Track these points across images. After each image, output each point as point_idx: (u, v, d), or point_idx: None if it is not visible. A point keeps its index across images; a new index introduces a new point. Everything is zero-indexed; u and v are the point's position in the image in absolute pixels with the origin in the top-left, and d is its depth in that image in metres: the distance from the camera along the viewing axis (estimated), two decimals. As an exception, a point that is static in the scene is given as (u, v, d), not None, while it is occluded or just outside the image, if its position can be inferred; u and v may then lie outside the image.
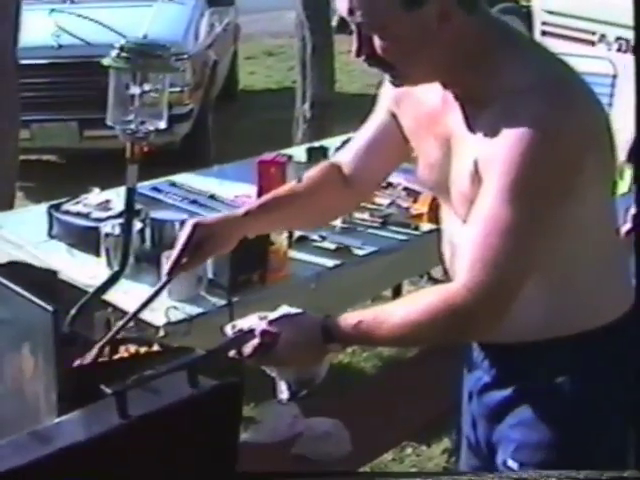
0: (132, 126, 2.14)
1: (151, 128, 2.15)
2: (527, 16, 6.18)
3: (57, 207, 3.09)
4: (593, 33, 4.89)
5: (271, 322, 1.73)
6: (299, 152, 3.73)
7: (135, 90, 2.13)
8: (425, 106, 1.80)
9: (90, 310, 2.22)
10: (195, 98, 6.47)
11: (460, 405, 2.00)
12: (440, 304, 1.63)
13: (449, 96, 1.73)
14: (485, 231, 1.60)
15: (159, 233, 2.80)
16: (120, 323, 1.90)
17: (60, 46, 6.13)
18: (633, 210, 2.66)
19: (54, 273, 2.28)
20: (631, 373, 1.76)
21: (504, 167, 1.58)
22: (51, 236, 3.03)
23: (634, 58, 2.05)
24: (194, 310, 2.57)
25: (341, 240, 3.05)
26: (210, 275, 2.64)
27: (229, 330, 1.77)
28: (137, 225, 2.74)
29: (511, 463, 1.80)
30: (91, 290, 2.27)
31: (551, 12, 5.10)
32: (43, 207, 3.14)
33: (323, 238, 3.04)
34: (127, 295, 2.50)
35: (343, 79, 7.98)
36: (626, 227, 2.52)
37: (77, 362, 1.75)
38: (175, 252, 1.89)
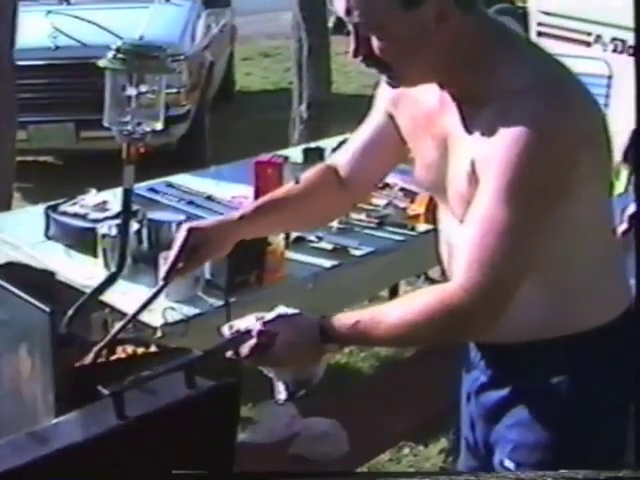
0: (129, 127, 2.14)
1: (148, 129, 2.15)
2: (523, 17, 6.18)
3: (54, 208, 3.08)
4: (589, 34, 4.88)
5: (268, 322, 1.73)
6: (296, 153, 3.72)
7: (132, 91, 2.13)
8: (422, 107, 1.80)
9: (87, 311, 2.21)
10: (192, 99, 6.47)
11: (457, 405, 2.00)
12: (437, 304, 1.63)
13: (446, 97, 1.74)
14: (482, 231, 1.60)
15: (156, 234, 2.80)
16: (117, 326, 1.90)
17: (57, 47, 6.13)
18: (630, 210, 2.66)
19: (51, 274, 2.29)
20: (627, 373, 1.76)
21: (501, 167, 1.59)
22: (48, 237, 3.03)
23: (634, 59, 2.05)
24: (191, 311, 2.57)
25: (338, 241, 3.05)
26: (207, 276, 2.63)
27: (226, 331, 1.77)
28: (134, 226, 2.73)
29: (508, 463, 1.81)
30: (88, 291, 2.26)
31: (547, 13, 5.10)
32: (40, 208, 3.13)
33: (320, 239, 3.04)
34: (124, 296, 2.50)
35: (340, 80, 7.99)
36: (622, 227, 2.53)
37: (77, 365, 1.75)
38: (171, 257, 1.90)
